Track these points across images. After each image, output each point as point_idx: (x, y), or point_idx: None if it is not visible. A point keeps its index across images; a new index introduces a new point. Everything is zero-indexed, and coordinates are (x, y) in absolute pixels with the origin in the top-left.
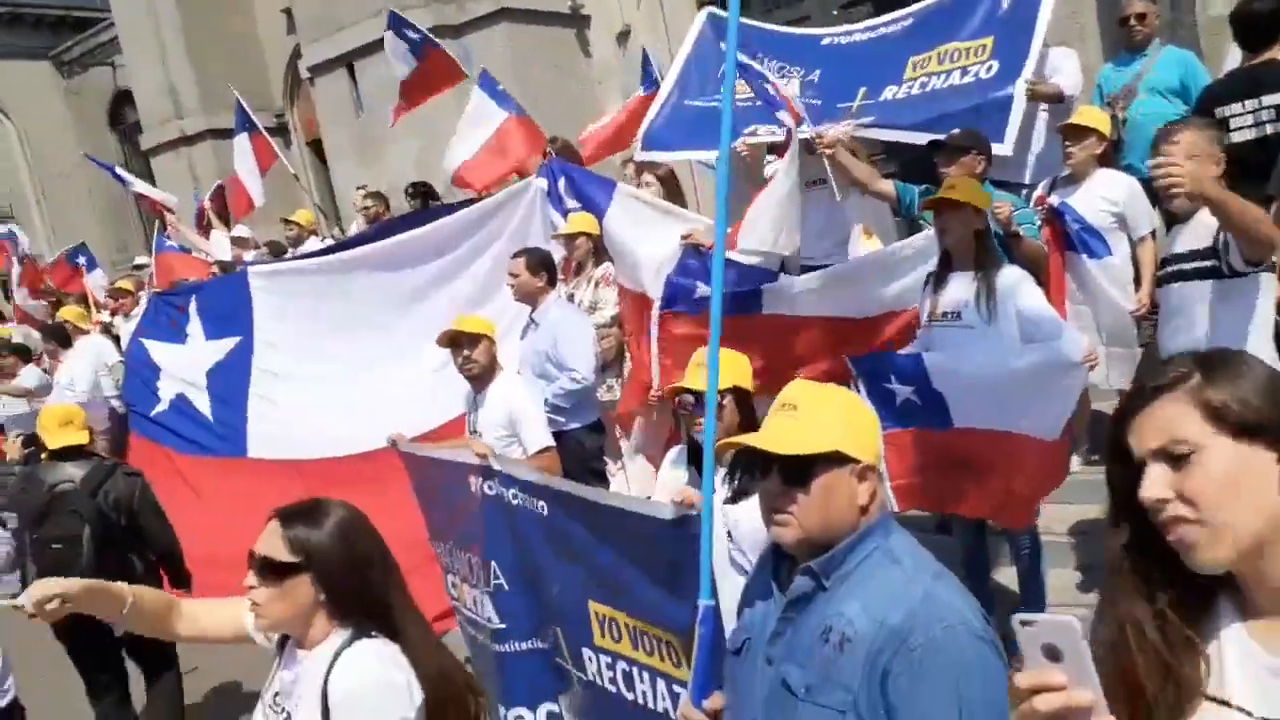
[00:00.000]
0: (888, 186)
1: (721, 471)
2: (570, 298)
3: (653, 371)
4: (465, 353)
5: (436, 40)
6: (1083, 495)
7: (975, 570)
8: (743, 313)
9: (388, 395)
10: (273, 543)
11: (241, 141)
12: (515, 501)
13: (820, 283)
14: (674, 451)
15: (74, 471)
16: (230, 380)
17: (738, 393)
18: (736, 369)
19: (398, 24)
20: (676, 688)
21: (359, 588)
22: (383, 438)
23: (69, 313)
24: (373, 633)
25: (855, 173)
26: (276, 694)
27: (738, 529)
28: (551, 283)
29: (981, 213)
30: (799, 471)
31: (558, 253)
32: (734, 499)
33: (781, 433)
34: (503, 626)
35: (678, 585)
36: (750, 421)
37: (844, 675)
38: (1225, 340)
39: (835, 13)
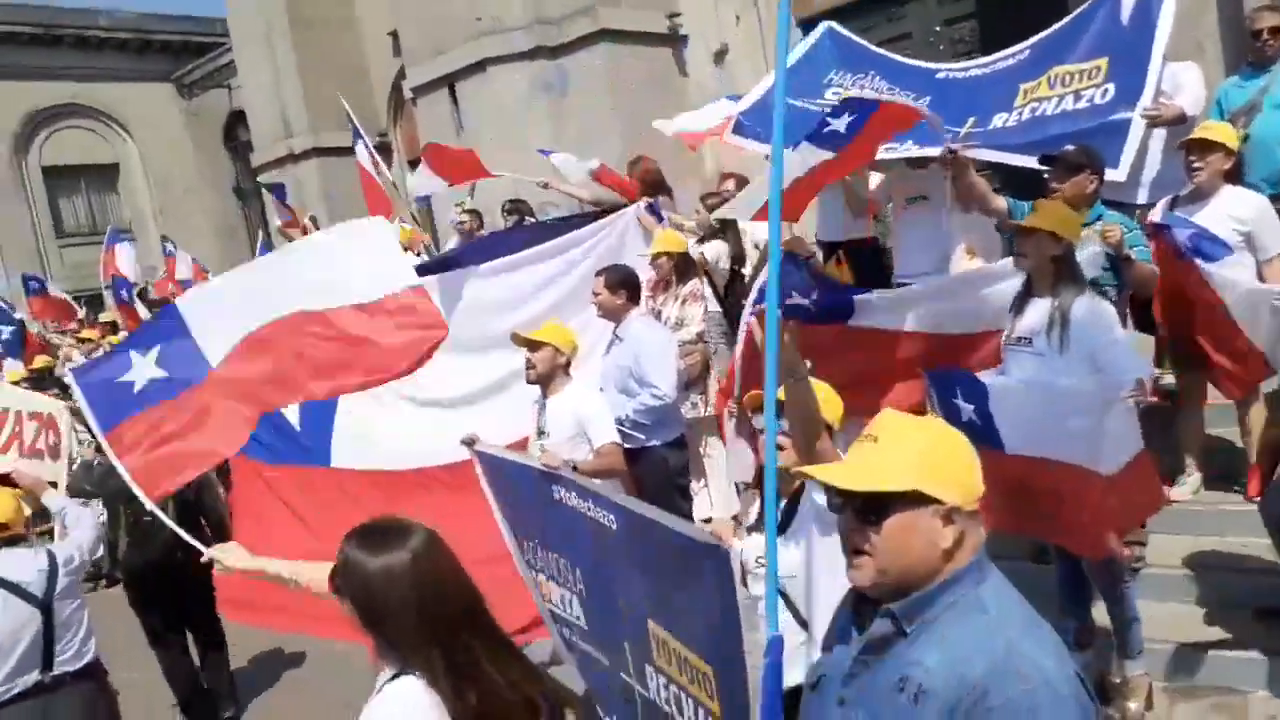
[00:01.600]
0: (1000, 202)
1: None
2: (657, 314)
3: (734, 378)
4: (528, 356)
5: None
6: (1192, 526)
7: (1071, 601)
8: (832, 321)
9: (470, 414)
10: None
11: (361, 149)
12: (588, 513)
13: (915, 296)
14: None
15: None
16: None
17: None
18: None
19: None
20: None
21: (392, 629)
22: (462, 453)
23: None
24: (416, 672)
25: (975, 186)
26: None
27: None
28: (633, 300)
29: (1061, 240)
30: (874, 509)
31: (646, 272)
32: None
33: (856, 466)
34: (587, 629)
35: (707, 617)
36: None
37: None
38: None
39: (938, 28)
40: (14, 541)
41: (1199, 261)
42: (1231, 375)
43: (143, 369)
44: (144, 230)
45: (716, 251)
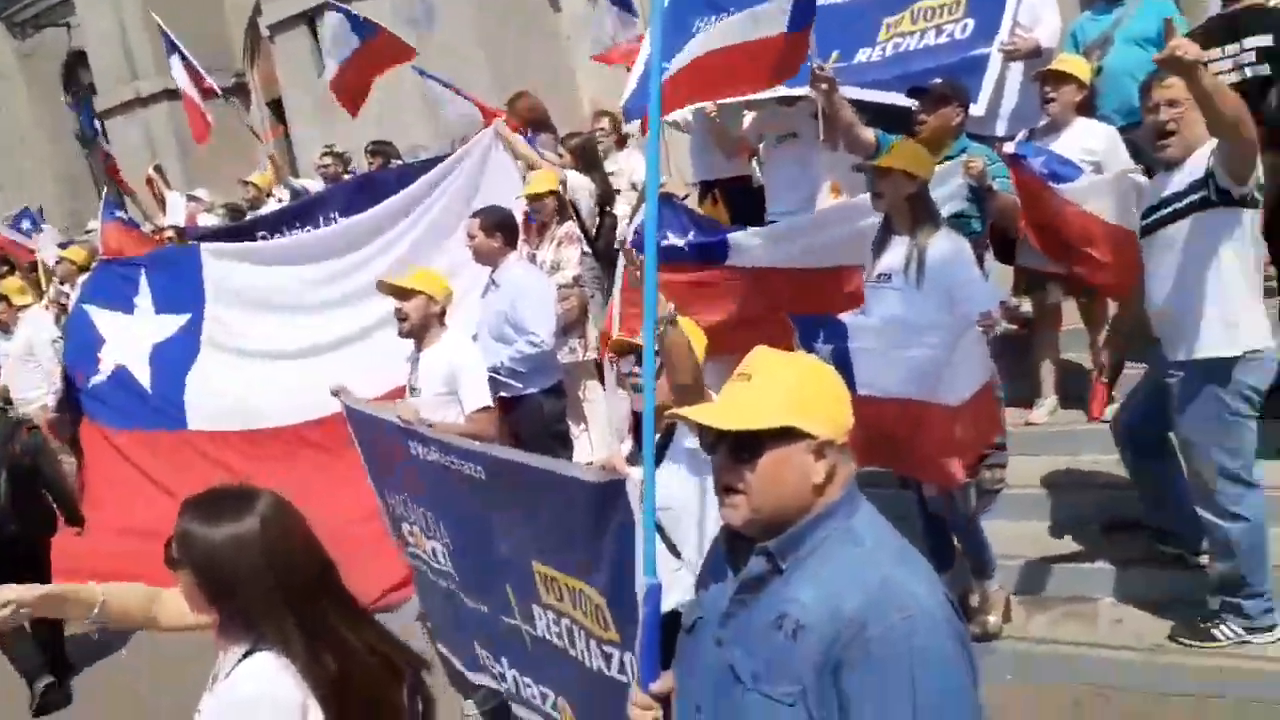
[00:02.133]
0: (869, 135)
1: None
2: (532, 258)
3: (613, 317)
4: (398, 306)
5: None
6: (1048, 447)
7: (932, 528)
8: (707, 263)
9: (337, 366)
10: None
11: (177, 65)
12: (452, 466)
13: (781, 232)
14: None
15: None
16: (175, 354)
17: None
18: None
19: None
20: (607, 649)
21: (242, 599)
22: (333, 405)
23: (9, 286)
24: (268, 645)
25: (842, 114)
26: (213, 681)
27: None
28: (510, 243)
29: (915, 178)
30: (747, 447)
31: (519, 211)
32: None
33: (729, 406)
34: (458, 579)
35: (602, 550)
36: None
37: (794, 665)
38: (1206, 274)
39: None
40: None
41: (1054, 185)
42: (1112, 271)
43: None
44: None
45: (575, 185)
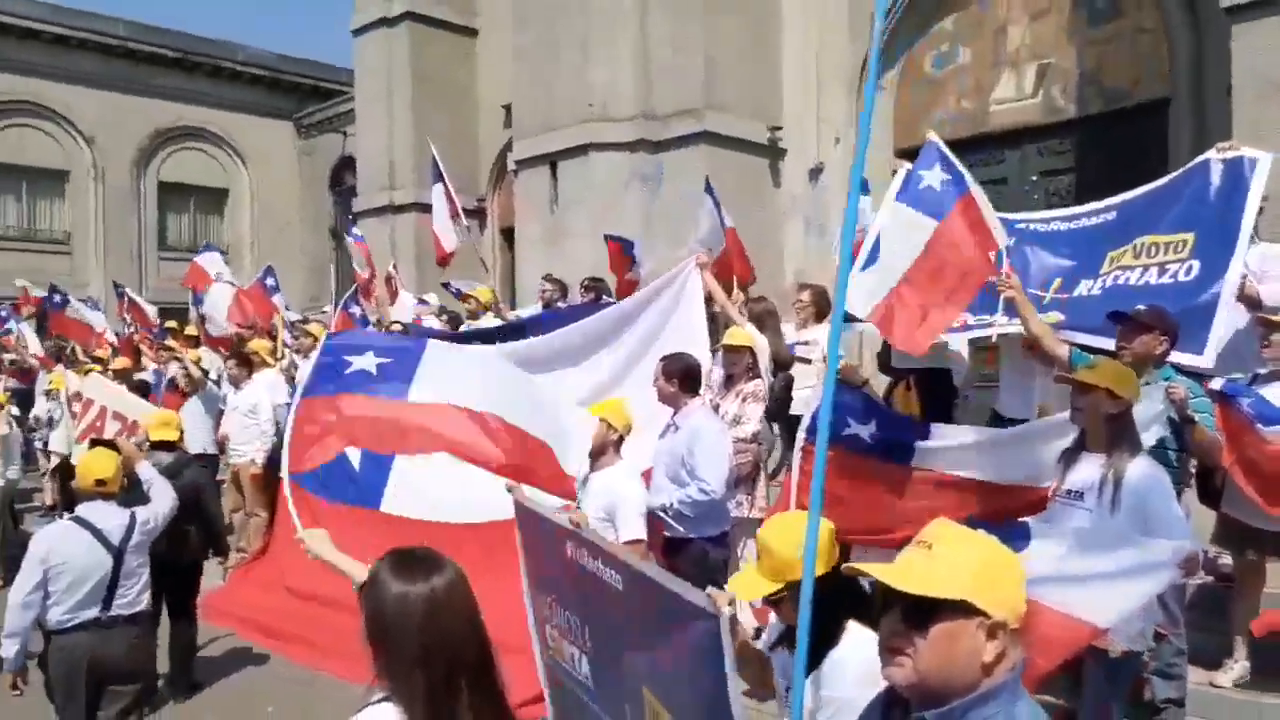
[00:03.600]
0: (1062, 350)
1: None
2: (715, 408)
3: (791, 504)
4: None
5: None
6: (1229, 715)
7: None
8: (889, 459)
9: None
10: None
11: (437, 189)
12: (597, 572)
13: (979, 442)
14: None
15: (163, 458)
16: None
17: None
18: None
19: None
20: None
21: (389, 652)
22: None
23: (260, 346)
24: (396, 702)
25: (1032, 325)
26: None
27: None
28: (691, 390)
29: (1119, 398)
30: (922, 613)
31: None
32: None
33: (910, 569)
34: (593, 689)
35: (697, 683)
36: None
37: None
38: None
39: (1034, 178)
40: (108, 497)
41: (1260, 426)
42: None
43: (365, 361)
44: (239, 257)
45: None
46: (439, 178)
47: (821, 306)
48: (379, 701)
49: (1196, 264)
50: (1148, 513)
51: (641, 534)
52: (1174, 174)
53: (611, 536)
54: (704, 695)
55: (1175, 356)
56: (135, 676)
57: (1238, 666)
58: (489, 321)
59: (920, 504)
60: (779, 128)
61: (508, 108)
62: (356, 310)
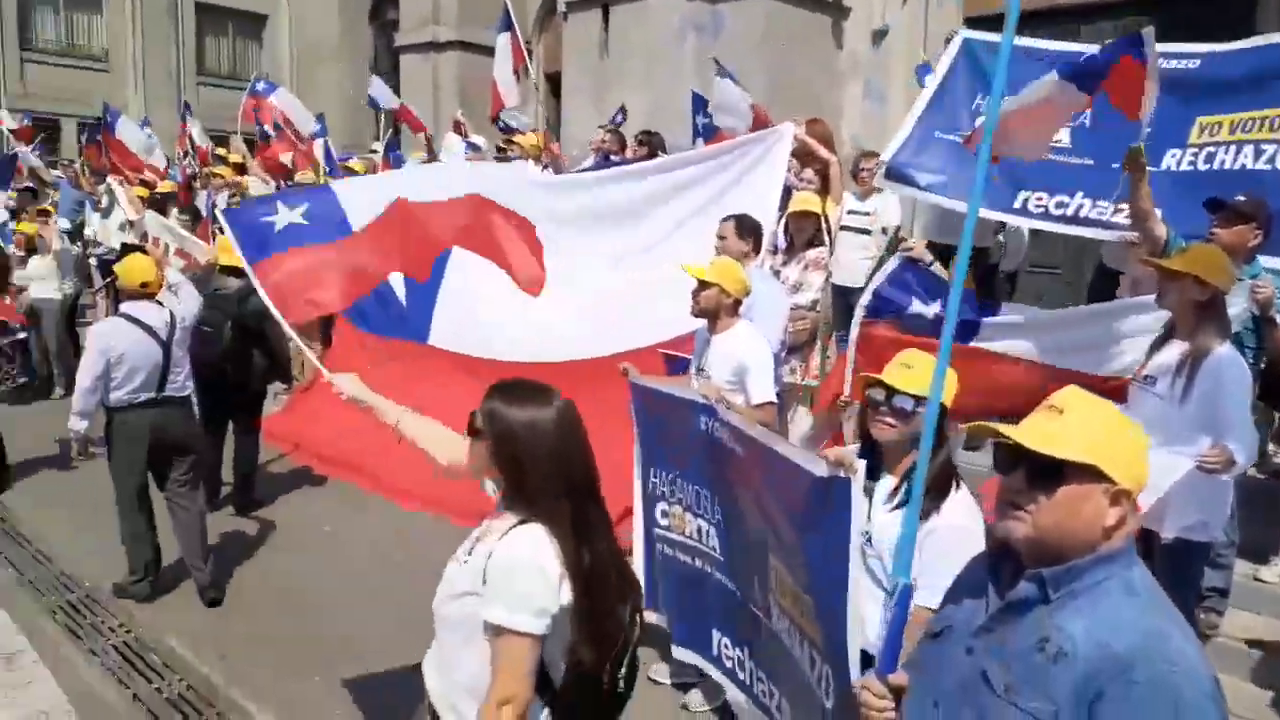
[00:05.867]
0: (1160, 230)
1: (891, 481)
2: (776, 273)
3: (845, 380)
4: (694, 291)
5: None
6: (1273, 608)
7: None
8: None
9: (582, 312)
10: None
11: (502, 40)
12: (730, 444)
13: (1048, 322)
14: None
15: (231, 283)
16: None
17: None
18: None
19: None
20: (813, 654)
21: (531, 476)
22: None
23: (305, 178)
24: (535, 521)
25: (1143, 204)
26: (476, 538)
27: (878, 537)
28: (756, 250)
29: (1208, 286)
30: (1049, 474)
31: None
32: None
33: (1040, 430)
34: (722, 559)
35: (814, 548)
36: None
37: (1051, 687)
38: None
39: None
40: (149, 297)
41: None
42: None
43: (286, 216)
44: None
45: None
46: (508, 26)
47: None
48: (521, 524)
49: None
50: (1219, 403)
51: (771, 396)
52: (1264, 39)
53: (740, 401)
54: (824, 551)
55: (1265, 261)
56: (189, 449)
57: None
58: (534, 170)
59: (992, 385)
60: None
61: None
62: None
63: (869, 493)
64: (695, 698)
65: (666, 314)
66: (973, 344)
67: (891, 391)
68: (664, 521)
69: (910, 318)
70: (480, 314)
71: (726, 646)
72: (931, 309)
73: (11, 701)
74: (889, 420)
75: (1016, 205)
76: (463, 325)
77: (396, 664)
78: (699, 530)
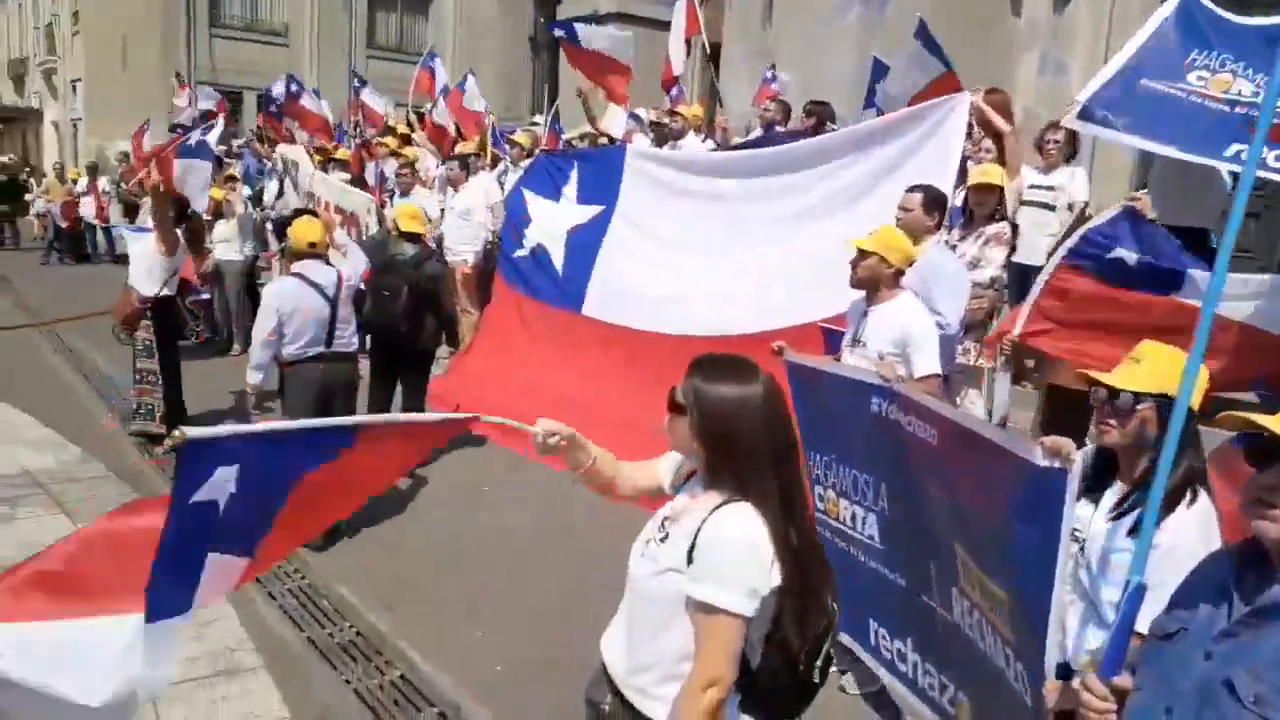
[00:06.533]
0: None
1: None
2: (952, 248)
3: (1021, 315)
4: (853, 261)
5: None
6: None
7: None
8: (1150, 289)
9: (733, 288)
10: (684, 381)
11: (680, 5)
12: (909, 428)
13: (1267, 287)
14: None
15: (408, 249)
16: (585, 241)
17: (1164, 402)
18: (1174, 373)
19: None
20: (1007, 650)
21: (740, 454)
22: (711, 328)
23: (469, 147)
24: (741, 499)
25: None
26: (666, 517)
27: (1091, 545)
28: (939, 225)
29: None
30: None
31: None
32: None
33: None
34: (882, 548)
35: (1021, 542)
36: (1192, 442)
37: None
38: None
39: None
40: (317, 257)
41: None
42: None
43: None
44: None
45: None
46: None
47: (1070, 151)
48: (726, 503)
49: None
50: None
51: (937, 368)
52: None
53: (901, 371)
54: (1030, 547)
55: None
56: (352, 393)
57: None
58: (692, 141)
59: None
60: None
61: None
62: (561, 128)
63: (1094, 499)
64: (850, 680)
65: (830, 291)
66: (1171, 296)
67: (1114, 392)
68: (819, 505)
69: (1110, 262)
70: (638, 284)
71: (885, 638)
72: (1135, 255)
73: (200, 636)
74: (1109, 421)
75: (1228, 154)
76: (618, 295)
77: (557, 627)
78: (853, 517)
